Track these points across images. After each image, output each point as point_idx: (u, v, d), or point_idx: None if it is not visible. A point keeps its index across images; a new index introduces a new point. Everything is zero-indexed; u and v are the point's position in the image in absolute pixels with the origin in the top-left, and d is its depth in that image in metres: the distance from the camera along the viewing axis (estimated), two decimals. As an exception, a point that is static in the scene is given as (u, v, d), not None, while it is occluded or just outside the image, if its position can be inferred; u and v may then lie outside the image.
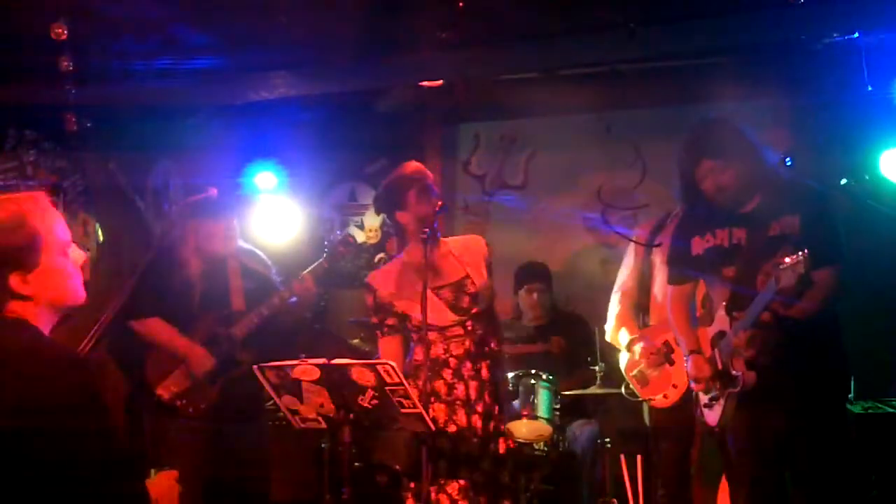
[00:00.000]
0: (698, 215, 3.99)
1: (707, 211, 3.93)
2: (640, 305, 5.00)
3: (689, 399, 4.48)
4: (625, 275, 5.07)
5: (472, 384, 4.02)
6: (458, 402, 3.99)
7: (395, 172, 4.16)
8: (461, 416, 3.98)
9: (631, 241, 4.94)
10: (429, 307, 3.86)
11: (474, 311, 4.05)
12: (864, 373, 5.06)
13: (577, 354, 5.45)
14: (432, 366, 3.95)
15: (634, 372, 4.85)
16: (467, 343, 4.04)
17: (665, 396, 4.74)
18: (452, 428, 3.96)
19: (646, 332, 4.87)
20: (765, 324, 3.71)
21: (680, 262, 4.12)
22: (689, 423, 4.51)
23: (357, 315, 5.83)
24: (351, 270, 5.32)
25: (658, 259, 4.89)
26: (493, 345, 4.12)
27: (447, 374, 4.00)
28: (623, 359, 4.92)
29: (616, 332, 4.98)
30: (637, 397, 4.87)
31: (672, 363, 4.70)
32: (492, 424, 4.06)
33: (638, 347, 4.82)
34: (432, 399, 3.94)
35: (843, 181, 4.95)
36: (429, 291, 3.90)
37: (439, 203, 4.05)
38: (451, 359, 4.02)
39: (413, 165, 4.16)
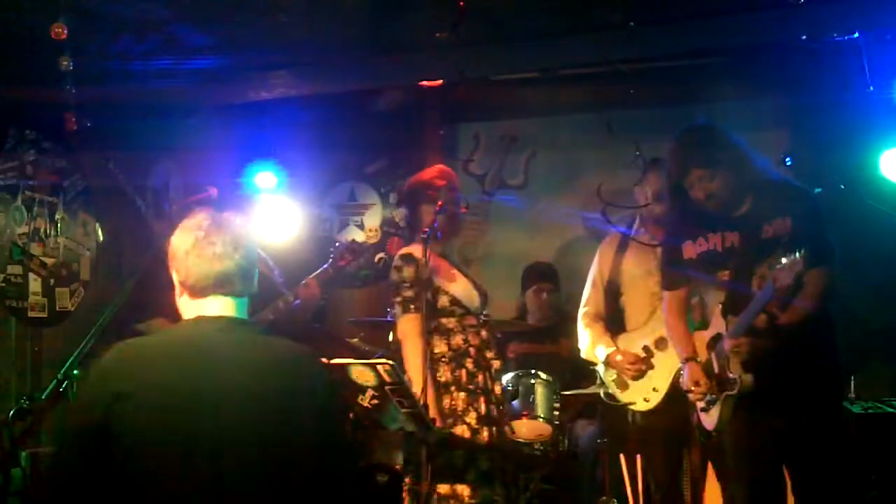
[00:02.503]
0: (689, 220, 3.99)
1: (698, 216, 3.93)
2: (611, 318, 4.97)
3: (672, 401, 4.49)
4: (588, 294, 5.05)
5: (487, 374, 4.18)
6: (479, 390, 4.11)
7: (422, 172, 4.42)
8: (481, 404, 4.09)
9: (642, 243, 4.90)
10: (463, 289, 4.18)
11: (486, 305, 4.29)
12: (864, 373, 5.07)
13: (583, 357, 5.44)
14: (454, 356, 4.11)
15: (614, 377, 4.83)
16: (483, 333, 4.21)
17: (646, 400, 4.73)
18: (472, 415, 4.05)
19: (622, 341, 4.85)
20: (760, 326, 3.72)
21: (673, 268, 4.11)
22: (678, 424, 4.50)
23: (357, 315, 5.84)
24: (352, 272, 5.33)
25: (627, 263, 4.88)
26: (498, 340, 4.33)
27: (469, 363, 4.14)
28: (602, 369, 4.91)
29: (593, 348, 4.95)
30: (617, 402, 4.85)
31: (653, 367, 4.70)
32: (502, 417, 4.16)
33: (619, 359, 4.79)
34: (453, 388, 4.06)
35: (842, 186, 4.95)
36: (461, 275, 4.24)
37: (439, 203, 4.15)
38: (471, 348, 4.16)
39: (439, 168, 4.41)
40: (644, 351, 4.72)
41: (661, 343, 4.62)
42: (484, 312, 4.39)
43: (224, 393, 2.42)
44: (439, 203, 4.19)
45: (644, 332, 4.74)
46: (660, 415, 4.67)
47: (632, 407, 4.79)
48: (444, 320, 4.13)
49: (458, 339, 4.13)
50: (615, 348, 4.80)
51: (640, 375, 4.71)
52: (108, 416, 2.37)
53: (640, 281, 4.78)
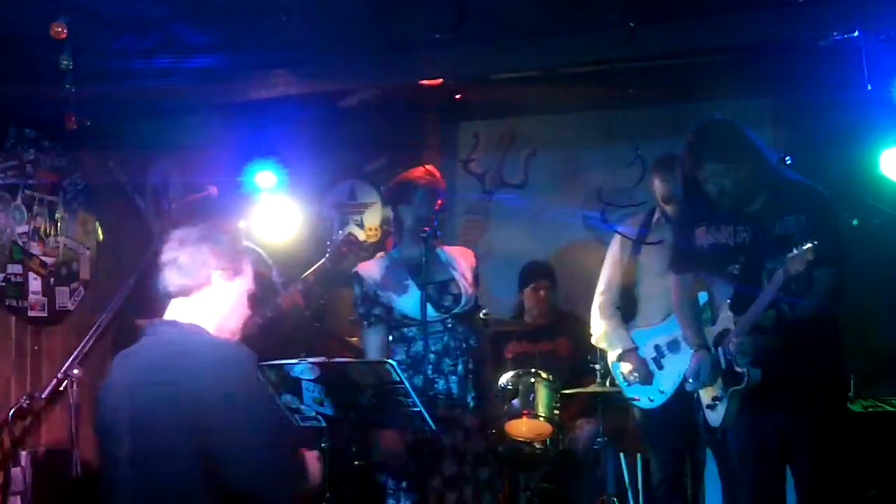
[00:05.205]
0: (702, 211, 3.99)
1: (711, 208, 3.94)
2: (626, 307, 4.97)
3: (679, 400, 4.49)
4: (605, 280, 5.05)
5: (452, 379, 4.14)
6: (438, 397, 4.05)
7: (408, 171, 4.36)
8: (441, 410, 4.06)
9: (645, 243, 4.90)
10: (413, 301, 4.08)
11: (455, 310, 4.19)
12: (864, 372, 5.07)
13: (581, 355, 5.45)
14: (413, 363, 4.10)
15: (623, 370, 4.84)
16: (445, 339, 4.16)
17: (650, 400, 4.73)
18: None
19: (637, 337, 4.85)
20: (768, 323, 3.73)
21: (684, 251, 4.11)
22: (683, 420, 4.51)
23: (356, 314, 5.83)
24: (351, 267, 5.29)
25: (646, 258, 4.88)
26: (471, 342, 4.22)
27: (427, 369, 4.12)
28: (612, 359, 4.91)
29: (605, 339, 4.95)
30: (621, 393, 4.87)
31: (661, 368, 4.70)
32: (475, 420, 4.12)
33: (632, 357, 4.79)
34: None
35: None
36: (414, 286, 4.12)
37: (438, 202, 4.15)
38: (430, 354, 4.14)
39: (425, 168, 4.36)
40: (655, 350, 4.72)
41: (673, 345, 4.61)
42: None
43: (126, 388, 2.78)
44: (438, 202, 4.20)
45: (659, 331, 4.73)
46: (667, 411, 4.67)
47: (636, 403, 4.80)
48: (405, 329, 4.16)
49: (418, 346, 4.12)
50: (629, 348, 4.80)
51: (644, 381, 4.72)
52: None
53: (658, 278, 4.75)
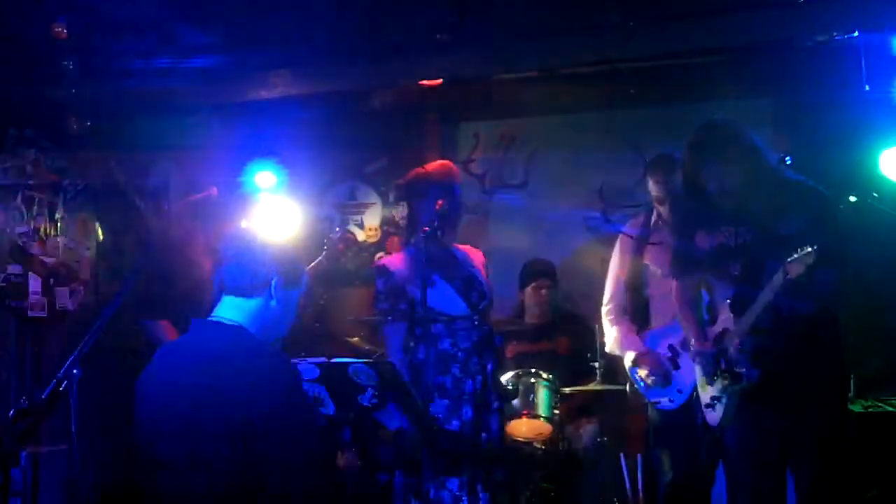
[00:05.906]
0: (703, 212, 3.99)
1: (713, 209, 3.94)
2: (636, 311, 4.97)
3: (694, 402, 4.50)
4: (611, 287, 5.05)
5: (479, 379, 4.11)
6: (464, 397, 4.03)
7: (424, 166, 4.33)
8: (467, 411, 4.01)
9: (648, 244, 4.90)
10: (442, 295, 4.04)
11: (482, 307, 4.18)
12: (864, 372, 5.07)
13: (581, 355, 5.44)
14: (438, 360, 4.02)
15: (641, 374, 4.83)
16: (474, 337, 4.12)
17: (670, 401, 4.73)
18: (456, 423, 4.00)
19: (649, 339, 4.85)
20: (767, 324, 3.73)
21: (685, 256, 4.12)
22: (692, 423, 4.51)
23: (357, 314, 5.83)
24: (351, 269, 5.31)
25: (649, 259, 4.88)
26: (496, 342, 4.20)
27: (455, 368, 4.08)
28: (628, 365, 4.91)
29: (618, 346, 4.95)
30: (642, 398, 4.87)
31: (678, 367, 4.69)
32: (495, 420, 4.11)
33: (646, 360, 4.79)
34: (436, 395, 3.99)
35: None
36: (442, 281, 4.08)
37: (439, 202, 4.12)
38: (459, 352, 4.09)
39: (442, 163, 4.34)
40: (670, 350, 4.72)
41: (687, 344, 4.61)
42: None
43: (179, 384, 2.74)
44: (439, 202, 4.16)
45: (671, 330, 4.72)
46: (685, 410, 4.67)
47: (657, 407, 4.80)
48: (432, 325, 4.08)
49: (445, 344, 4.09)
50: (642, 351, 4.81)
51: (665, 382, 4.72)
52: None
53: (664, 279, 4.73)
